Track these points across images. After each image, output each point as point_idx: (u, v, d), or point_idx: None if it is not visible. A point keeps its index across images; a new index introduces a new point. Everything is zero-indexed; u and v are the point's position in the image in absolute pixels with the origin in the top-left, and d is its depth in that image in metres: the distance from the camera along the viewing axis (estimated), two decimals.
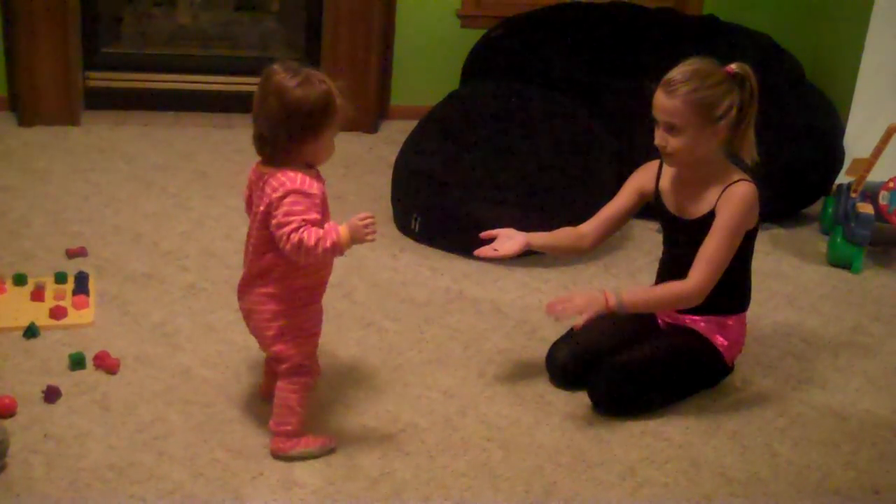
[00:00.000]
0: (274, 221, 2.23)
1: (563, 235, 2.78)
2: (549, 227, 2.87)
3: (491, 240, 2.70)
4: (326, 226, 2.25)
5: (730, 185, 2.57)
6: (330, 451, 2.42)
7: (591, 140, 3.64)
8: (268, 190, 2.26)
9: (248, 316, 2.40)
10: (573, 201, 3.36)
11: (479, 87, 3.93)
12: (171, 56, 4.80)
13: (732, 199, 2.55)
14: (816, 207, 4.07)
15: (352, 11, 4.58)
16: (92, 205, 3.68)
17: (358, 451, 2.43)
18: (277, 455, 2.38)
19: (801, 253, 3.77)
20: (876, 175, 3.73)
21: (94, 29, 4.57)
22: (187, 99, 4.73)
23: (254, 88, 4.82)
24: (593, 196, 3.22)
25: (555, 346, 2.79)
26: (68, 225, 3.50)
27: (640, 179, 2.77)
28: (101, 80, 4.62)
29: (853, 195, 3.71)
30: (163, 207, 3.73)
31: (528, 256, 3.41)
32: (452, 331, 3.03)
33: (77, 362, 2.66)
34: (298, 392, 2.38)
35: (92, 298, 2.98)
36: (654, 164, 2.72)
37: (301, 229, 2.20)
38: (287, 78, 2.23)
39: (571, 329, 2.82)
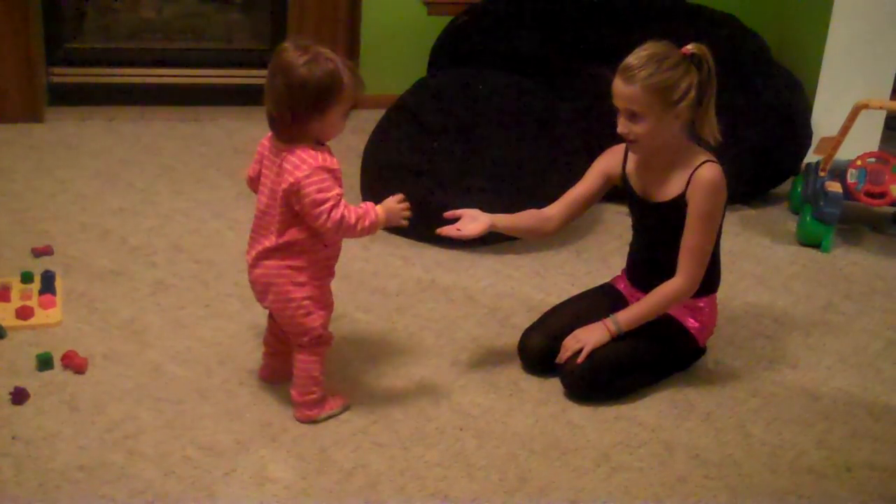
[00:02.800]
0: (307, 200, 2.28)
1: (528, 217, 2.77)
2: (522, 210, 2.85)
3: (455, 220, 2.67)
4: (364, 205, 2.36)
5: (696, 168, 2.57)
6: (347, 409, 2.53)
7: (560, 124, 3.63)
8: (288, 167, 2.30)
9: (265, 290, 2.43)
10: (544, 186, 3.34)
11: (447, 74, 3.91)
12: (136, 50, 4.75)
13: (702, 185, 2.55)
14: (785, 187, 4.08)
15: (317, 1, 4.54)
16: (58, 202, 3.64)
17: (331, 444, 2.42)
18: (305, 421, 2.47)
19: (770, 233, 3.78)
20: (844, 153, 3.74)
21: (56, 24, 4.51)
22: (153, 93, 4.68)
23: (219, 80, 4.86)
24: (564, 180, 3.19)
25: (527, 333, 2.79)
26: (34, 223, 3.46)
27: (606, 163, 2.76)
28: (65, 75, 4.56)
29: (821, 174, 3.73)
30: (130, 203, 3.69)
31: (499, 243, 3.42)
32: (424, 320, 3.02)
33: (45, 362, 2.63)
34: (320, 361, 2.47)
35: (59, 297, 2.94)
36: (620, 147, 2.71)
37: (340, 206, 2.29)
38: (295, 56, 2.26)
39: (543, 315, 2.83)
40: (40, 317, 2.85)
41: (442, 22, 4.50)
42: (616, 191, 2.80)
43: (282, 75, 2.27)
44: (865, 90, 4.10)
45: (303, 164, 2.29)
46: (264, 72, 4.77)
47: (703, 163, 2.58)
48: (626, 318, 2.65)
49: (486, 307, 3.11)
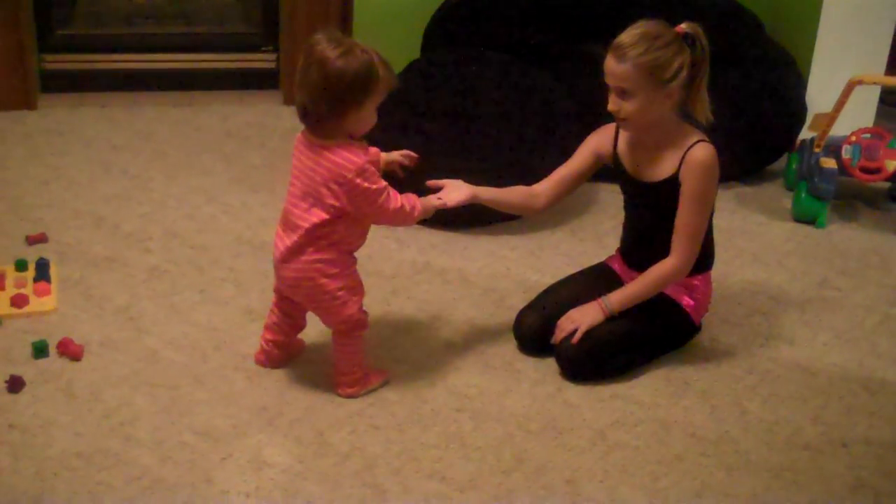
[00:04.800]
0: (364, 196, 2.33)
1: (515, 193, 2.76)
2: None
3: (437, 190, 2.65)
4: (410, 196, 2.45)
5: (689, 148, 2.56)
6: (387, 383, 2.59)
7: (555, 104, 3.62)
8: (330, 166, 2.31)
9: (296, 285, 2.44)
10: (539, 168, 3.31)
11: (438, 55, 3.89)
12: (128, 35, 4.72)
13: (695, 165, 2.54)
14: (781, 164, 4.07)
15: None
16: (51, 190, 3.63)
17: (327, 427, 2.42)
18: (347, 397, 2.52)
19: (766, 210, 3.78)
20: (838, 129, 3.73)
21: (47, 11, 4.48)
22: (145, 78, 4.66)
23: (212, 65, 4.84)
24: (559, 161, 3.19)
25: (522, 313, 2.79)
26: (28, 211, 3.45)
27: (597, 141, 2.75)
28: (57, 62, 4.53)
29: (816, 150, 3.72)
30: (123, 189, 3.68)
31: (494, 224, 3.41)
32: (420, 302, 3.01)
33: (40, 350, 2.63)
34: (359, 343, 2.52)
35: (54, 285, 2.94)
36: (611, 126, 2.70)
37: (397, 196, 2.39)
38: (329, 48, 2.25)
39: (538, 295, 2.83)
40: (35, 304, 2.85)
41: (436, 2, 4.47)
42: (609, 170, 2.80)
43: (317, 68, 2.25)
44: (860, 66, 4.09)
45: (348, 163, 2.30)
46: (256, 56, 4.88)
47: (696, 143, 2.57)
48: (619, 298, 2.65)
49: (482, 288, 3.11)
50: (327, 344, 2.64)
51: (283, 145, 4.05)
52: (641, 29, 2.47)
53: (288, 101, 4.61)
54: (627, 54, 2.45)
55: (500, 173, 3.36)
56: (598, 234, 3.49)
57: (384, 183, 2.38)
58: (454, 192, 2.60)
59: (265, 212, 3.52)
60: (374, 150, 2.51)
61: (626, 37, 2.47)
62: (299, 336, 2.68)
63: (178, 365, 2.64)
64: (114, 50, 4.63)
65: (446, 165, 3.37)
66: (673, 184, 2.59)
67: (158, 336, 2.76)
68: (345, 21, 4.67)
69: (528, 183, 2.87)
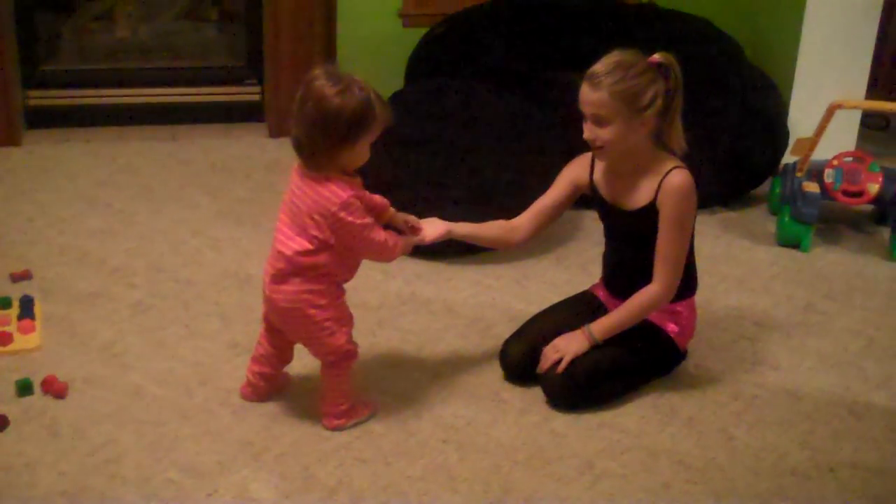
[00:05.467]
0: (349, 228, 2.34)
1: (492, 227, 2.77)
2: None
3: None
4: (390, 232, 2.47)
5: (665, 175, 2.57)
6: (374, 415, 2.57)
7: (538, 133, 3.64)
8: (315, 195, 2.33)
9: (284, 314, 2.44)
10: (522, 196, 3.33)
11: (422, 85, 3.91)
12: (112, 70, 4.73)
13: (672, 191, 2.56)
14: (764, 188, 4.09)
15: (292, 17, 4.54)
16: (36, 226, 3.63)
17: (314, 461, 2.41)
18: (333, 429, 2.51)
19: (750, 235, 3.79)
20: (821, 153, 3.76)
21: (31, 46, 4.50)
22: (130, 112, 4.67)
23: (196, 98, 4.86)
24: (542, 190, 3.21)
25: (507, 342, 2.79)
26: (12, 248, 3.44)
27: (574, 171, 2.77)
28: (42, 98, 4.54)
29: (798, 174, 3.74)
30: (108, 224, 3.68)
31: (479, 253, 3.42)
32: (406, 333, 3.01)
33: (24, 388, 2.62)
34: (347, 374, 2.51)
35: (38, 322, 2.93)
36: (588, 156, 2.72)
37: (380, 231, 2.41)
38: (327, 85, 2.26)
39: (523, 324, 2.83)
40: (19, 342, 2.84)
41: (418, 34, 4.50)
42: (585, 199, 2.81)
43: (314, 104, 2.27)
44: (840, 89, 4.12)
45: (334, 196, 2.32)
46: (241, 89, 4.89)
47: (672, 169, 2.58)
48: (603, 326, 2.65)
49: (467, 318, 3.11)
50: (313, 377, 2.64)
51: (268, 178, 4.06)
52: (616, 58, 2.50)
53: (273, 133, 4.62)
54: (603, 82, 2.47)
55: (484, 203, 3.38)
56: (582, 262, 3.50)
57: (369, 219, 2.39)
58: (430, 227, 2.61)
59: (250, 245, 3.52)
60: (384, 200, 2.52)
61: (601, 66, 2.49)
62: (285, 370, 2.67)
63: (164, 401, 2.63)
64: (98, 85, 4.64)
65: (429, 195, 3.40)
66: (651, 211, 2.60)
67: (143, 372, 2.75)
68: (329, 53, 4.70)
69: (512, 213, 2.88)
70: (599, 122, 2.51)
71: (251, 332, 2.91)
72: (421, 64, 4.32)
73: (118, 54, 4.86)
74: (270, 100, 4.64)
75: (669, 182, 2.57)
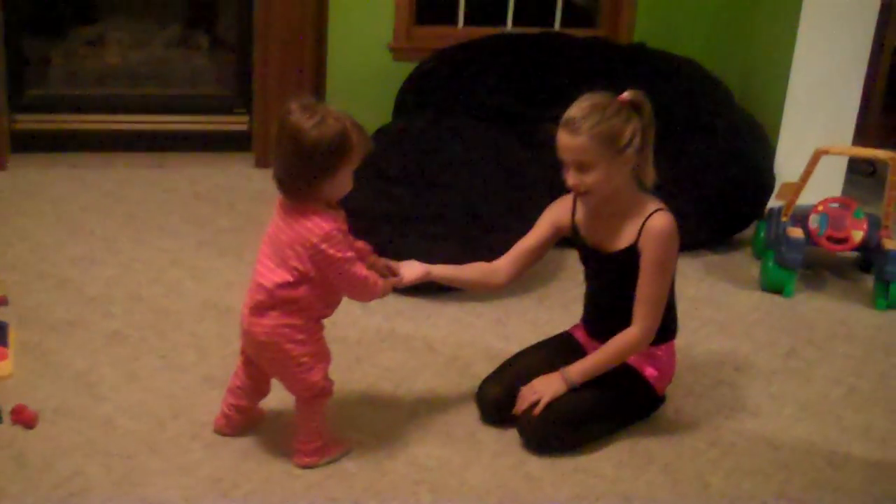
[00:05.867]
0: (331, 263, 2.32)
1: (472, 270, 2.75)
2: (483, 260, 2.84)
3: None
4: (371, 272, 2.43)
5: (648, 217, 2.56)
6: (347, 453, 2.53)
7: (524, 172, 3.63)
8: (297, 227, 2.31)
9: (261, 348, 2.41)
10: (506, 235, 3.32)
11: (409, 120, 3.91)
12: (101, 96, 4.74)
13: (654, 234, 2.54)
14: (749, 232, 4.09)
15: (282, 47, 4.55)
16: (16, 251, 3.60)
17: (284, 500, 2.38)
18: (304, 467, 2.47)
19: (733, 279, 3.78)
20: (807, 198, 3.75)
21: (19, 70, 4.49)
22: (117, 139, 4.66)
23: (184, 126, 4.85)
24: (527, 229, 3.20)
25: (485, 383, 2.76)
26: None
27: (556, 213, 2.76)
28: (29, 122, 4.53)
29: (783, 219, 3.74)
30: (90, 252, 3.65)
31: (460, 291, 3.39)
32: (383, 370, 2.99)
33: None
34: (321, 411, 2.48)
35: (11, 349, 2.90)
36: (569, 197, 2.71)
37: (362, 268, 2.38)
38: (303, 118, 2.25)
39: (501, 365, 2.81)
40: None
41: (408, 68, 4.51)
42: (566, 241, 2.80)
43: (289, 139, 2.26)
44: (828, 135, 4.14)
45: (316, 228, 2.30)
46: (229, 118, 4.88)
47: (655, 211, 2.57)
48: (581, 369, 2.63)
49: (446, 356, 3.09)
50: (287, 412, 2.61)
51: (252, 208, 4.05)
52: (589, 101, 2.49)
53: (259, 163, 4.61)
54: (581, 127, 2.46)
55: (467, 239, 3.37)
56: (564, 302, 3.48)
57: (351, 253, 2.37)
58: (408, 269, 2.59)
59: (232, 276, 3.50)
60: (366, 246, 2.52)
61: (577, 110, 2.49)
62: (259, 405, 2.64)
63: (134, 433, 2.59)
64: (86, 110, 4.64)
65: (414, 231, 3.38)
66: (632, 253, 2.59)
67: (115, 403, 2.72)
68: (318, 85, 4.70)
69: (501, 250, 2.87)
70: (582, 167, 2.50)
71: (227, 365, 2.88)
72: (410, 98, 4.32)
73: (107, 80, 4.86)
74: (258, 130, 4.64)
75: (651, 225, 2.56)
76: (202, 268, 3.58)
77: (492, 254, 2.86)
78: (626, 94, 2.51)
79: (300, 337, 2.38)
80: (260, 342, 2.40)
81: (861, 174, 4.86)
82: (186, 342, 3.06)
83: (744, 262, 3.93)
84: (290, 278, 2.33)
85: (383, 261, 2.57)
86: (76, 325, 3.13)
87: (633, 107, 2.50)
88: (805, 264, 3.66)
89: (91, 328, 3.11)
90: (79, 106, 4.64)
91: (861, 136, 4.53)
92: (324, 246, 2.31)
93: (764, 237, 3.87)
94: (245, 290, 2.46)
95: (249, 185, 4.39)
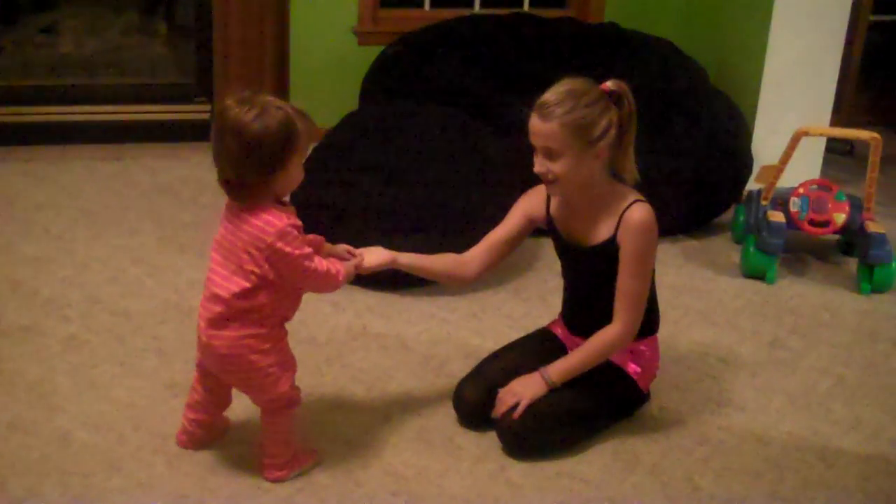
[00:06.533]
0: (288, 261, 2.18)
1: (441, 260, 2.62)
2: (451, 252, 2.72)
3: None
4: (332, 260, 2.30)
5: (625, 209, 2.44)
6: (318, 464, 2.40)
7: (494, 161, 3.49)
8: (251, 230, 2.17)
9: (223, 361, 2.27)
10: (474, 227, 3.19)
11: (375, 108, 3.77)
12: (55, 86, 4.57)
13: (633, 227, 2.43)
14: (727, 216, 3.98)
15: (243, 32, 4.41)
16: None
17: None
18: (274, 482, 2.34)
19: (714, 265, 3.68)
20: (786, 180, 3.65)
21: None
22: (73, 131, 4.49)
23: (143, 116, 4.70)
24: (497, 220, 3.08)
25: (461, 384, 2.64)
26: None
27: (529, 204, 2.63)
28: None
29: (763, 203, 3.64)
30: (44, 251, 3.49)
31: (433, 285, 3.26)
32: (355, 371, 2.86)
33: None
34: (289, 422, 2.35)
35: None
36: (543, 187, 2.57)
37: (322, 261, 2.24)
38: (242, 111, 2.10)
39: (478, 365, 2.69)
40: None
41: (374, 52, 4.37)
42: (541, 231, 2.68)
43: (232, 136, 2.11)
44: (805, 115, 4.04)
45: (268, 226, 2.16)
46: (189, 107, 4.72)
47: (632, 203, 2.45)
48: (560, 368, 2.51)
49: (421, 355, 2.96)
50: (253, 420, 2.47)
51: (215, 201, 3.84)
52: (566, 87, 2.36)
53: None
54: (553, 113, 2.33)
55: (437, 232, 3.24)
56: (542, 294, 3.36)
57: (308, 248, 2.23)
58: (372, 255, 2.46)
59: (194, 274, 3.35)
60: (318, 237, 2.38)
61: (551, 95, 2.36)
62: (224, 414, 2.51)
63: (93, 448, 2.45)
64: (40, 102, 4.48)
65: (380, 224, 3.25)
66: (611, 247, 2.47)
67: (72, 415, 2.57)
68: (281, 71, 4.55)
69: (466, 243, 2.74)
70: (551, 154, 2.38)
71: (190, 370, 2.71)
72: (376, 85, 4.18)
73: (62, 69, 4.69)
74: None
75: (630, 217, 2.44)
76: (162, 266, 3.43)
77: (462, 247, 2.74)
78: (608, 84, 2.39)
79: (265, 346, 2.25)
80: (222, 356, 2.26)
81: (837, 153, 4.77)
82: (147, 346, 2.92)
83: (723, 248, 3.83)
84: (247, 284, 2.19)
85: (342, 246, 2.44)
86: (30, 330, 2.97)
87: (614, 97, 2.38)
88: (786, 248, 3.56)
89: (46, 333, 2.96)
90: (32, 97, 4.49)
91: (836, 114, 4.44)
92: (280, 244, 2.17)
93: (743, 221, 3.77)
94: None
95: (211, 176, 4.11)
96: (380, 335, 3.06)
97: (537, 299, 3.33)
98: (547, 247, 3.55)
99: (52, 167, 4.24)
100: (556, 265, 3.41)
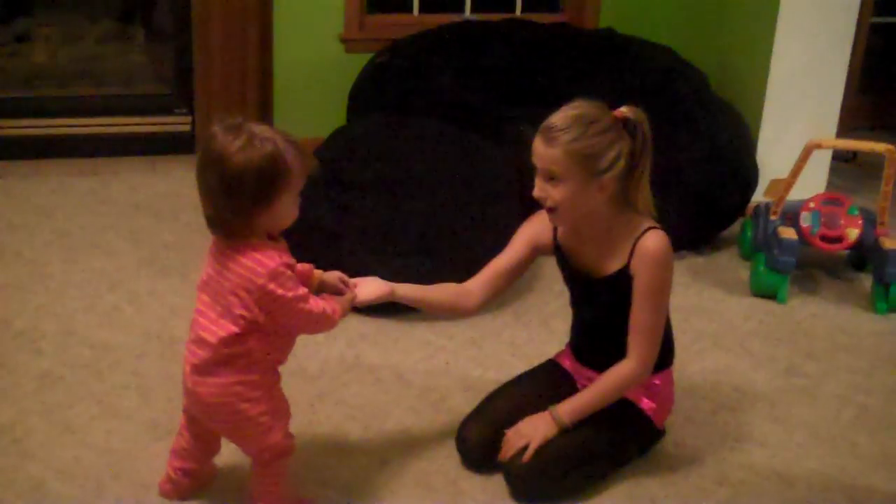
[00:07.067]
0: (280, 304, 2.00)
1: (441, 291, 2.44)
2: (450, 277, 2.55)
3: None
4: (326, 297, 2.13)
5: (639, 237, 2.27)
6: None
7: (493, 178, 3.31)
8: (241, 271, 1.99)
9: (210, 410, 2.09)
10: (474, 249, 3.03)
11: (366, 122, 3.58)
12: (27, 99, 4.38)
13: (647, 257, 2.26)
14: (734, 229, 3.82)
15: (225, 39, 4.21)
16: None
17: None
18: None
19: (721, 283, 3.51)
20: (793, 194, 3.49)
21: None
22: (47, 145, 4.29)
23: (121, 129, 4.51)
24: (497, 240, 2.90)
25: (465, 424, 2.46)
26: None
27: (534, 230, 2.46)
28: None
29: (773, 217, 3.47)
30: (16, 277, 3.29)
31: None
32: (349, 408, 2.68)
33: None
34: (282, 472, 2.17)
35: None
36: None
37: (317, 301, 2.06)
38: (227, 141, 1.91)
39: (482, 402, 2.51)
40: None
41: (361, 60, 4.18)
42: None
43: (213, 168, 1.93)
44: (812, 124, 3.89)
45: (259, 266, 1.97)
46: (169, 118, 4.53)
47: (647, 230, 2.28)
48: (572, 408, 2.34)
49: (418, 388, 2.78)
50: (242, 466, 2.30)
51: (197, 219, 3.61)
52: (576, 111, 2.19)
53: None
54: (559, 139, 2.16)
55: (432, 255, 3.08)
56: (543, 317, 3.19)
57: (303, 289, 2.05)
58: (367, 286, 2.28)
59: (176, 300, 3.17)
60: (306, 266, 2.19)
61: (559, 119, 2.19)
62: (212, 460, 2.32)
63: (68, 500, 2.26)
64: (12, 114, 4.28)
65: (372, 246, 3.08)
66: (623, 277, 2.30)
67: (46, 463, 2.38)
68: (264, 80, 4.37)
69: (468, 265, 2.58)
70: (552, 178, 2.21)
71: (173, 408, 2.56)
72: (364, 95, 4.00)
73: (35, 81, 4.50)
74: (201, 130, 4.29)
75: (644, 246, 2.27)
76: (142, 292, 3.25)
77: (460, 271, 2.57)
78: (622, 110, 2.21)
79: (256, 395, 2.07)
80: (209, 404, 2.08)
81: (840, 160, 4.61)
82: (126, 383, 2.73)
83: (731, 264, 3.67)
84: (236, 329, 2.01)
85: (335, 274, 2.26)
86: (1, 366, 2.78)
87: (628, 126, 2.21)
88: (797, 265, 3.40)
89: (17, 370, 2.77)
90: (3, 109, 4.28)
91: (842, 125, 4.28)
92: (271, 286, 1.98)
93: (751, 237, 3.60)
94: (191, 316, 2.12)
95: (194, 192, 3.93)
96: (374, 366, 2.88)
97: (539, 324, 3.16)
98: (547, 265, 3.38)
99: (25, 184, 4.04)
100: (558, 285, 3.24)
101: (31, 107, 4.33)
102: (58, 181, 4.09)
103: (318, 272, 2.24)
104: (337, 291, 2.23)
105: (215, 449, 2.28)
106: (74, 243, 3.56)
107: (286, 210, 2.02)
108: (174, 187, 4.09)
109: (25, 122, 4.29)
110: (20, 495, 2.27)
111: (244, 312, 2.01)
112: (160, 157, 4.38)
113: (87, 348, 2.90)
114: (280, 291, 1.99)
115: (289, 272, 2.03)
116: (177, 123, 4.41)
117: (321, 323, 2.10)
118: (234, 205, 1.94)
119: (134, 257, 3.48)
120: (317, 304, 2.08)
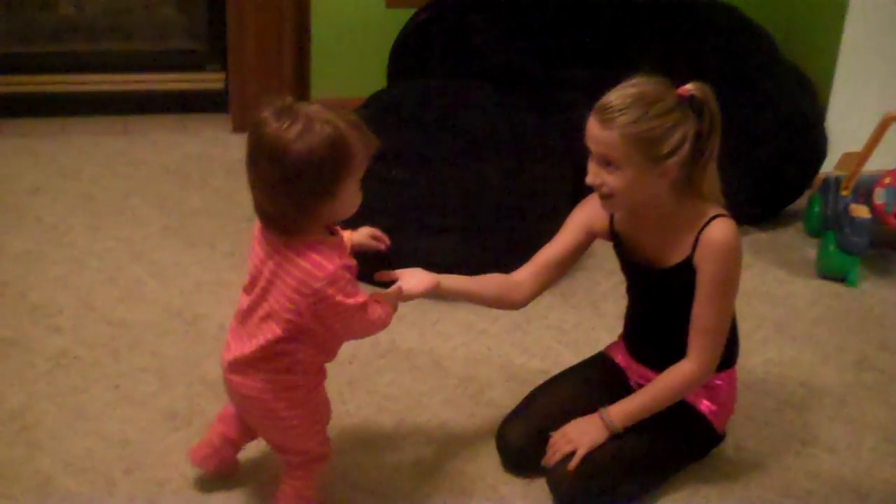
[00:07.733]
0: (336, 311, 1.83)
1: (489, 282, 2.23)
2: (493, 256, 2.35)
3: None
4: (382, 305, 1.95)
5: (704, 226, 2.05)
6: None
7: (542, 147, 3.08)
8: (293, 269, 1.81)
9: (247, 404, 1.95)
10: (522, 226, 2.82)
11: (407, 87, 3.36)
12: (54, 54, 4.18)
13: (713, 248, 2.03)
14: (799, 204, 3.56)
15: None
16: None
17: None
18: None
19: (786, 262, 3.26)
20: (867, 168, 3.23)
21: None
22: (75, 102, 4.11)
23: (151, 86, 4.32)
24: (545, 219, 2.70)
25: (506, 423, 2.26)
26: None
27: (589, 215, 2.23)
28: None
29: (844, 193, 3.21)
30: (36, 244, 3.13)
31: None
32: (382, 398, 2.49)
33: None
34: (314, 479, 2.02)
35: None
36: None
37: (374, 307, 1.90)
38: (281, 128, 1.70)
39: (525, 399, 2.31)
40: None
41: (403, 16, 3.95)
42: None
43: (269, 160, 1.72)
44: (887, 91, 3.60)
45: (317, 269, 1.79)
46: (202, 75, 4.32)
47: (713, 219, 2.05)
48: (624, 412, 2.13)
49: (457, 377, 2.59)
50: (266, 465, 2.12)
51: (228, 183, 3.52)
52: (636, 89, 1.96)
53: (237, 127, 4.08)
54: (616, 120, 1.93)
55: (480, 232, 2.86)
56: (593, 299, 2.97)
57: (363, 295, 1.86)
58: (413, 279, 2.07)
59: (202, 273, 2.99)
60: (343, 234, 1.98)
61: (616, 98, 1.95)
62: (237, 457, 2.16)
63: (78, 497, 2.10)
64: (38, 70, 4.09)
65: (411, 223, 2.88)
66: (687, 269, 2.07)
67: (55, 455, 2.22)
68: (302, 33, 4.15)
69: (514, 245, 2.37)
70: (608, 165, 1.98)
71: (194, 395, 2.42)
72: (404, 55, 3.77)
73: (62, 35, 4.29)
74: (235, 88, 4.09)
75: (709, 236, 2.04)
76: (164, 262, 3.06)
77: (500, 253, 2.36)
78: (688, 87, 1.98)
79: (296, 395, 1.91)
80: (244, 396, 1.92)
81: None
82: (145, 365, 2.56)
83: (796, 241, 3.41)
84: (280, 333, 1.84)
85: (364, 232, 2.09)
86: (15, 344, 2.62)
87: (694, 105, 1.97)
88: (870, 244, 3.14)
89: (32, 348, 2.60)
90: (29, 65, 4.09)
91: None
92: (330, 291, 1.80)
93: (819, 213, 3.35)
94: (216, 291, 1.93)
95: (225, 153, 3.86)
96: (410, 352, 2.68)
97: (588, 306, 2.94)
98: (597, 243, 3.16)
99: (51, 143, 3.86)
100: (608, 263, 3.01)
101: (57, 62, 4.15)
102: (85, 141, 3.91)
103: (347, 235, 2.03)
104: (368, 248, 2.06)
105: (253, 432, 2.11)
106: (98, 208, 3.39)
107: (350, 199, 1.83)
108: (205, 148, 3.90)
109: (51, 77, 4.11)
110: (27, 491, 2.11)
111: (292, 318, 1.83)
112: (191, 115, 4.19)
113: (105, 325, 2.73)
114: (339, 298, 1.81)
115: (348, 276, 1.84)
116: (209, 81, 4.21)
117: (374, 329, 1.94)
118: (297, 199, 1.75)
119: (159, 225, 3.30)
120: (374, 311, 1.90)
